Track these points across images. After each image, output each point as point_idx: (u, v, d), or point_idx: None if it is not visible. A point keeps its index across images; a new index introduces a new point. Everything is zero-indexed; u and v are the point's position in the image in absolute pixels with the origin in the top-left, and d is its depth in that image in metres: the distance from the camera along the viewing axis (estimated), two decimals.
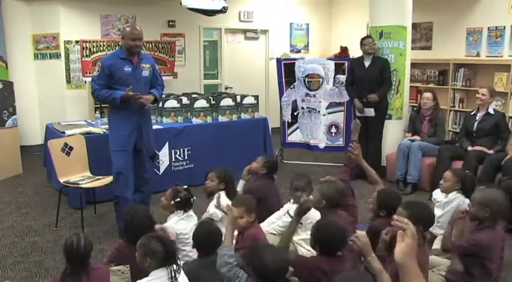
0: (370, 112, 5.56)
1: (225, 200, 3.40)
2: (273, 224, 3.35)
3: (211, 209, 3.51)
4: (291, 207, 3.32)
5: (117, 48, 5.95)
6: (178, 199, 3.20)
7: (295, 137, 6.52)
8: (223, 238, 2.65)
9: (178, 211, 3.23)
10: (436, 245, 3.39)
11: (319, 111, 6.22)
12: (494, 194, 2.79)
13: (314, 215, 3.10)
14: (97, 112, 6.07)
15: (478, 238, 2.69)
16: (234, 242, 2.83)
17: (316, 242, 2.52)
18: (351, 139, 6.06)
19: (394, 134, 5.72)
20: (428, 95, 5.37)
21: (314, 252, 2.64)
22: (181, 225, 3.16)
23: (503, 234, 2.87)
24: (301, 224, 3.08)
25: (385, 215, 2.93)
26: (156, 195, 4.08)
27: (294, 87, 6.34)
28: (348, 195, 3.67)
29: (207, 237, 2.64)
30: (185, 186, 3.29)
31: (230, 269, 2.42)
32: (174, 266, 2.32)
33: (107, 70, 3.79)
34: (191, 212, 3.28)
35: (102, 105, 6.37)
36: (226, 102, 5.63)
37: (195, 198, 3.32)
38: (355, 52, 5.88)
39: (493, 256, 2.70)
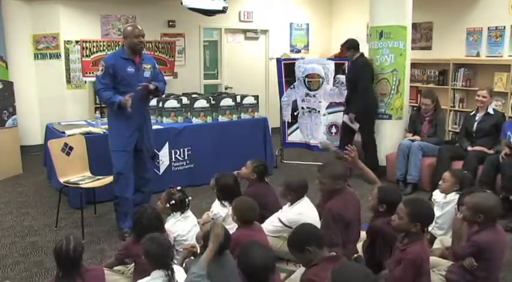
0: (353, 122, 5.68)
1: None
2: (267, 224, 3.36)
3: (215, 210, 3.51)
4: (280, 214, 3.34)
5: (117, 48, 5.95)
6: (173, 201, 3.19)
7: (295, 137, 6.51)
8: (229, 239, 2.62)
9: (175, 213, 3.22)
10: (436, 245, 3.40)
11: (319, 111, 6.22)
12: (486, 200, 2.76)
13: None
14: (97, 112, 6.07)
15: (478, 239, 2.70)
16: None
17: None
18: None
19: (394, 134, 5.71)
20: (426, 101, 5.32)
21: None
22: (178, 227, 3.15)
23: (504, 234, 2.86)
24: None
25: (384, 209, 2.96)
26: (156, 195, 4.07)
27: (294, 87, 6.34)
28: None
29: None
30: (179, 188, 3.29)
31: None
32: (171, 268, 2.34)
33: (110, 69, 3.79)
34: (188, 213, 3.28)
35: (102, 105, 6.37)
36: (226, 102, 5.62)
37: (190, 198, 3.31)
38: None
39: (494, 256, 2.71)
